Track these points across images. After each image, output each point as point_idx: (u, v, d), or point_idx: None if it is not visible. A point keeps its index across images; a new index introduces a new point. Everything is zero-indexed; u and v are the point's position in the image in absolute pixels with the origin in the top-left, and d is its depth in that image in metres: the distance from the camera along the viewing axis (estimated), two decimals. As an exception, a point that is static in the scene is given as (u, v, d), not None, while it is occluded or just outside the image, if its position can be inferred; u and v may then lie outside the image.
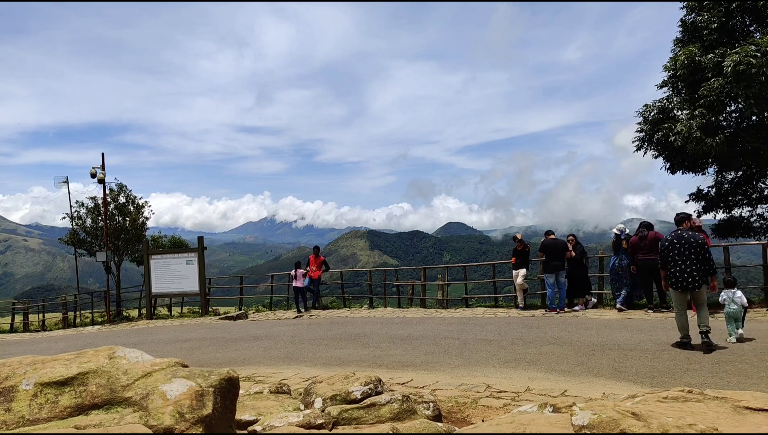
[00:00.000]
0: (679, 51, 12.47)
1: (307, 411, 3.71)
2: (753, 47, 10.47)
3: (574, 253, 12.24)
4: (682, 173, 13.65)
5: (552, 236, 12.52)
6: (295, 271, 15.60)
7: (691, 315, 10.15)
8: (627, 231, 11.52)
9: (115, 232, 26.58)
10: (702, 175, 13.80)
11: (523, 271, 13.02)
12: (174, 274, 19.06)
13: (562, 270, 12.13)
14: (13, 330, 23.10)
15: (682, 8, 13.01)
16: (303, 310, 15.79)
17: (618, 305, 11.29)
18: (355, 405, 3.80)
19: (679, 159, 13.06)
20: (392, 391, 4.45)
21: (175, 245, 28.05)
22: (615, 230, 11.64)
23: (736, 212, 14.09)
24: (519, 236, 13.44)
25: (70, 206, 29.71)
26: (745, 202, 13.93)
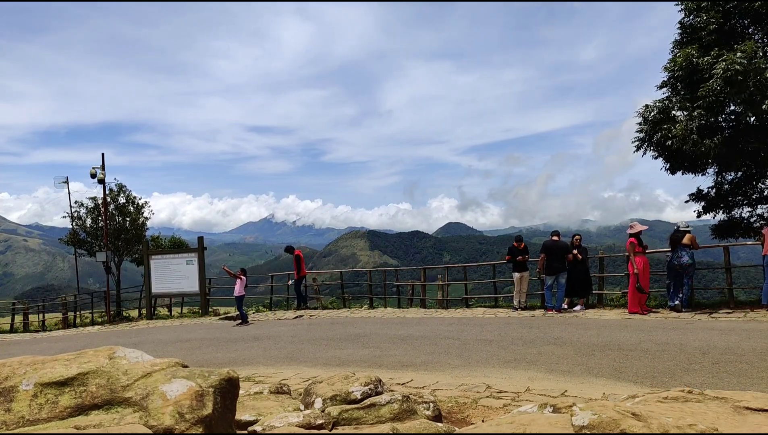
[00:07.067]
0: (678, 53, 12.48)
1: (307, 411, 3.71)
2: (740, 54, 10.50)
3: (579, 256, 12.20)
4: (682, 174, 13.64)
5: (555, 237, 12.49)
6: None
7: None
8: (690, 227, 10.95)
9: (115, 232, 26.57)
10: (702, 175, 13.80)
11: (526, 274, 12.99)
12: (174, 275, 19.07)
13: (563, 271, 12.10)
14: (13, 330, 23.10)
15: (680, 10, 13.02)
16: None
17: (674, 304, 10.83)
18: (355, 405, 3.80)
19: (678, 160, 13.04)
20: (392, 391, 4.45)
21: (175, 245, 28.05)
22: (683, 227, 11.00)
23: (736, 213, 14.08)
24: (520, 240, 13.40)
25: (70, 206, 29.70)
26: (745, 202, 13.92)
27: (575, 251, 12.31)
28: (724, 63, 10.51)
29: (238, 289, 14.24)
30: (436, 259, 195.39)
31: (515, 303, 12.98)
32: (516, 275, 12.92)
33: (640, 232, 11.17)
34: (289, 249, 17.21)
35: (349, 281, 21.15)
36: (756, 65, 10.38)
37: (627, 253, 11.26)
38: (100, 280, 70.77)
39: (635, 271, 10.84)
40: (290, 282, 17.08)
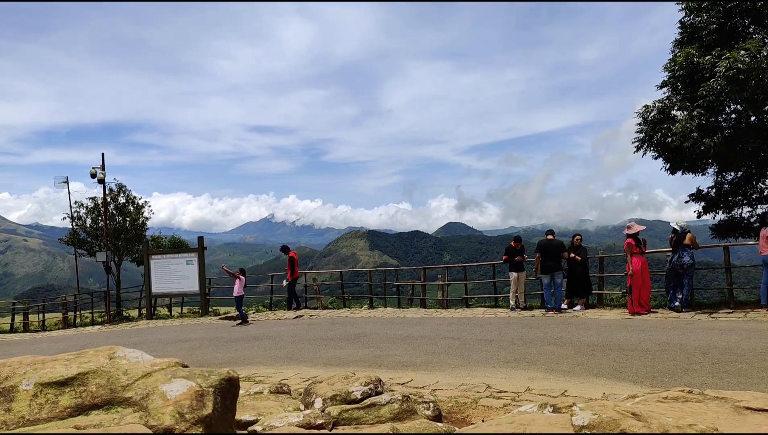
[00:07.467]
0: (678, 52, 12.49)
1: (307, 411, 3.71)
2: (743, 52, 10.50)
3: (578, 258, 12.19)
4: (682, 174, 13.64)
5: (550, 236, 12.49)
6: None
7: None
8: (689, 227, 11.00)
9: (115, 232, 26.59)
10: (702, 175, 13.80)
11: (523, 274, 12.98)
12: (174, 274, 19.07)
13: (558, 270, 12.10)
14: (13, 330, 23.11)
15: (681, 10, 13.03)
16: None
17: (674, 305, 10.83)
18: (356, 405, 3.80)
19: (678, 159, 13.05)
20: (392, 391, 4.45)
21: (175, 245, 28.08)
22: (675, 225, 11.08)
23: (736, 212, 14.09)
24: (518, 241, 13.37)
25: (70, 206, 29.72)
26: (745, 202, 13.93)
27: (572, 254, 12.29)
28: (727, 61, 10.49)
29: (237, 289, 14.26)
30: (436, 259, 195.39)
31: (512, 303, 12.96)
32: (513, 275, 12.91)
33: (638, 232, 11.17)
34: (285, 249, 17.11)
35: (349, 281, 21.14)
36: (759, 64, 10.36)
37: (626, 254, 11.26)
38: (100, 280, 70.78)
39: (631, 272, 10.86)
40: (284, 283, 17.05)
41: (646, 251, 11.62)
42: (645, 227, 11.62)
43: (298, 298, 17.07)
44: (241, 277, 14.36)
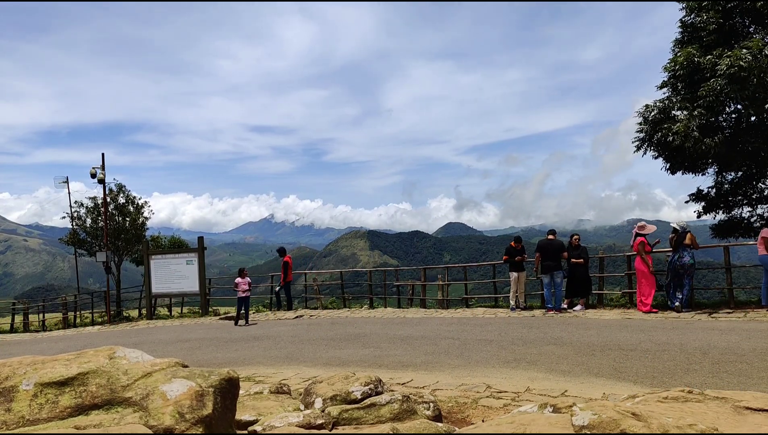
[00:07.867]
0: (679, 52, 12.49)
1: (308, 411, 3.71)
2: (744, 50, 10.52)
3: (582, 261, 12.20)
4: (682, 174, 13.64)
5: (551, 236, 12.50)
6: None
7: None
8: (688, 227, 11.11)
9: (115, 232, 26.58)
10: (702, 175, 13.80)
11: (523, 274, 12.97)
12: (174, 275, 19.07)
13: (558, 270, 12.11)
14: (13, 330, 23.11)
15: (681, 9, 13.04)
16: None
17: (674, 305, 10.83)
18: (356, 405, 3.80)
19: (678, 159, 13.05)
20: (392, 391, 4.45)
21: (175, 245, 28.06)
22: (675, 225, 11.13)
23: (736, 212, 14.09)
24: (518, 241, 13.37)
25: (70, 206, 29.72)
26: (745, 202, 13.93)
27: (574, 260, 12.28)
28: (729, 59, 10.51)
29: (243, 289, 14.42)
30: (436, 259, 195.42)
31: (512, 303, 12.96)
32: (513, 275, 12.91)
33: (648, 233, 11.30)
34: (282, 251, 17.39)
35: (349, 281, 21.14)
36: (760, 63, 10.39)
37: (635, 253, 11.28)
38: (100, 280, 70.75)
39: (651, 269, 11.02)
40: (278, 288, 17.19)
41: (651, 251, 11.67)
42: (656, 228, 11.72)
43: (291, 301, 17.23)
44: (245, 277, 14.56)
